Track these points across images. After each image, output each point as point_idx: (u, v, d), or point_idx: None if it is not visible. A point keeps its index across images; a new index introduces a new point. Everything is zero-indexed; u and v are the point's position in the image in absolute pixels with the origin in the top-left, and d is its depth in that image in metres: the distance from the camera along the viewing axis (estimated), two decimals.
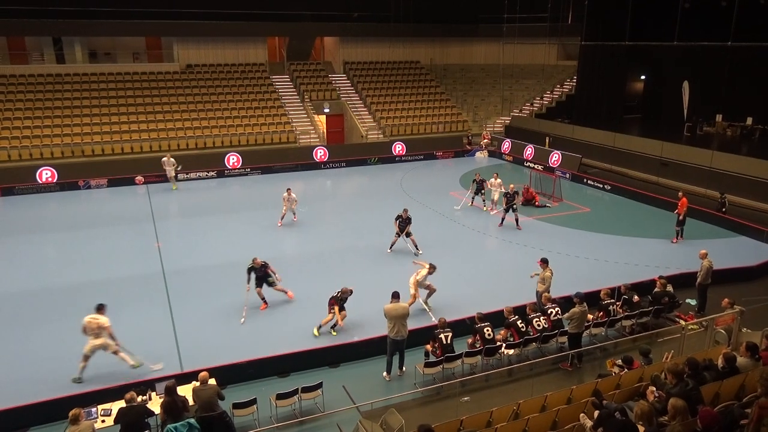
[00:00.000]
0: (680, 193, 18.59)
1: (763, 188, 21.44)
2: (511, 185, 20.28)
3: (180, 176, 27.29)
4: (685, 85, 30.09)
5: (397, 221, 17.63)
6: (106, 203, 24.09)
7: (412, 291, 13.57)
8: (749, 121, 29.20)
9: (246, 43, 35.44)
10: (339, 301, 12.67)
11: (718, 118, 30.35)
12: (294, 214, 20.51)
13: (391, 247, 17.78)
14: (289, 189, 20.27)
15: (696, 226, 19.58)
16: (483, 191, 21.99)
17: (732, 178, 22.46)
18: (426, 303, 13.88)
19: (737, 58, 26.18)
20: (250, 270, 13.84)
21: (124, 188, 25.97)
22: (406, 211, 17.76)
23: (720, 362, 8.18)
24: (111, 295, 14.83)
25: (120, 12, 30.81)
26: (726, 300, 11.30)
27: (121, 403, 8.79)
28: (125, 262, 17.04)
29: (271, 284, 14.12)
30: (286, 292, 14.38)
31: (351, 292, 12.81)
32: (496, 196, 21.57)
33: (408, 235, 17.58)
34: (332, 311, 12.60)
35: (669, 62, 31.89)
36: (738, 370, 7.97)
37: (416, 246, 17.59)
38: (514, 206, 19.60)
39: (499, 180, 21.55)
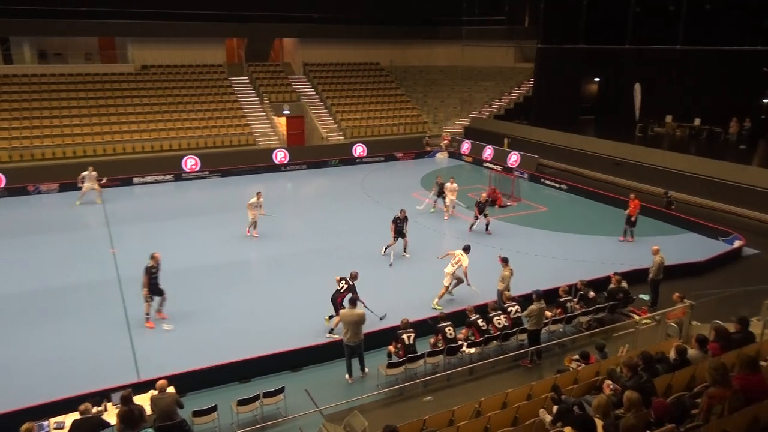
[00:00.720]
0: (632, 195, 19.09)
1: (711, 186, 22.28)
2: (483, 194, 20.29)
3: (136, 180, 26.67)
4: (637, 86, 30.99)
5: (395, 223, 17.28)
6: (58, 209, 23.29)
7: (447, 282, 14.12)
8: (697, 121, 30.29)
9: (203, 44, 34.84)
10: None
11: (668, 118, 31.40)
12: (255, 226, 19.18)
13: (384, 250, 17.45)
14: (259, 193, 18.99)
15: (648, 223, 20.19)
16: (444, 194, 21.73)
17: (681, 177, 23.27)
18: (451, 291, 14.38)
19: (685, 61, 27.14)
20: (149, 270, 12.96)
21: (76, 193, 25.13)
22: (403, 211, 17.43)
23: (672, 355, 8.45)
24: (64, 303, 14.45)
25: (71, 11, 29.87)
26: (676, 294, 11.71)
27: (75, 415, 8.52)
28: (79, 269, 16.53)
29: (159, 293, 13.21)
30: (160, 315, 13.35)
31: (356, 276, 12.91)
32: (448, 201, 21.28)
33: (403, 236, 17.39)
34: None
35: (622, 65, 32.82)
36: (689, 361, 8.25)
37: (405, 249, 17.55)
38: (486, 214, 19.63)
39: (455, 185, 21.20)
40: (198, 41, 34.49)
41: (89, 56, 33.41)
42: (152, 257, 13.15)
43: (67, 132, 27.91)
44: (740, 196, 21.33)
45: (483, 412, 8.25)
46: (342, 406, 9.81)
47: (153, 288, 13.04)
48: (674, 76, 29.02)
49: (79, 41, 32.67)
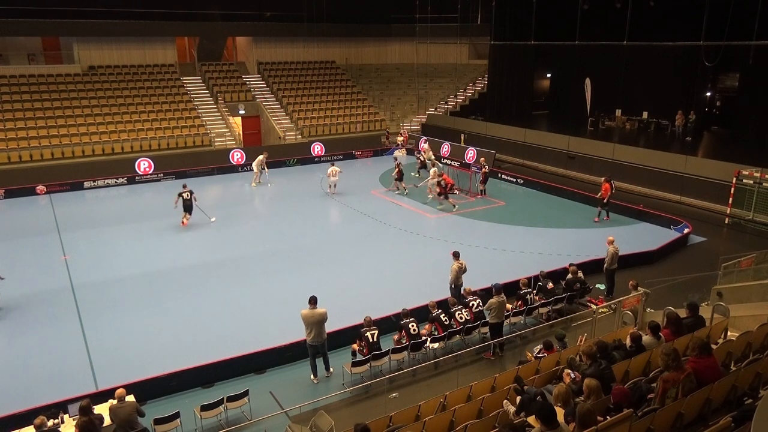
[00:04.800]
0: (603, 179, 20.25)
1: (659, 177, 23.06)
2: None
3: (87, 184, 25.87)
4: (587, 82, 31.82)
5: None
6: (4, 215, 22.38)
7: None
8: (645, 115, 31.32)
9: (153, 44, 33.99)
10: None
11: (618, 112, 32.35)
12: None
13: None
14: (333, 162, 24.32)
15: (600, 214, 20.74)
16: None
17: (631, 169, 24.01)
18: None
19: (632, 57, 27.95)
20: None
21: (23, 199, 24.23)
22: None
23: (628, 342, 8.72)
24: (13, 314, 13.88)
25: (12, 9, 28.62)
26: (631, 283, 12.10)
27: (30, 430, 8.24)
28: (28, 278, 15.90)
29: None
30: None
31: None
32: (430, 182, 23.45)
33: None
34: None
35: (572, 61, 33.58)
36: (644, 348, 8.52)
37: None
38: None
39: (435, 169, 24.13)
40: (147, 40, 33.63)
41: (32, 57, 32.13)
42: (183, 186, 19.89)
43: (12, 136, 26.81)
44: (685, 186, 22.17)
45: (448, 406, 8.34)
46: (308, 407, 9.77)
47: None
48: (622, 71, 29.86)
49: (21, 41, 31.40)
